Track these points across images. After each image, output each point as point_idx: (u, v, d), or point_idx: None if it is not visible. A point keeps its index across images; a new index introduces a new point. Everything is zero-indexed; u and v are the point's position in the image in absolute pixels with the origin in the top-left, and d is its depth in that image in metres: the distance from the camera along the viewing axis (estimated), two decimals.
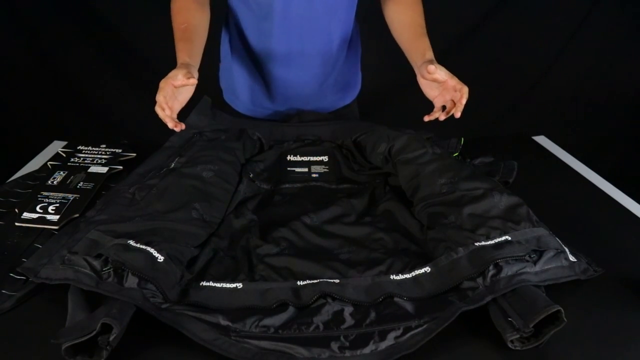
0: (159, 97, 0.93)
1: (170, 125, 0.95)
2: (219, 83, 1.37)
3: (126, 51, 2.14)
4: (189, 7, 1.09)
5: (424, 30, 1.12)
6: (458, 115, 1.00)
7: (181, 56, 1.02)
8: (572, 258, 0.78)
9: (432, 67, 0.97)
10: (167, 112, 0.93)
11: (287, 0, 1.09)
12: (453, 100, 1.00)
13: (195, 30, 1.08)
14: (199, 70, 1.02)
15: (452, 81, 0.98)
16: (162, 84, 0.94)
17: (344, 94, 1.35)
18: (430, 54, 1.05)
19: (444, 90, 1.01)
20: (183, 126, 0.96)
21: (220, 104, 1.24)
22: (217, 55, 1.98)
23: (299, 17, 1.12)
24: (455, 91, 0.99)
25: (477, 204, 0.85)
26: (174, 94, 0.95)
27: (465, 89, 0.98)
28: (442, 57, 1.27)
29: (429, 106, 1.05)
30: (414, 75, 1.07)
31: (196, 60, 1.04)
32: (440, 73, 0.98)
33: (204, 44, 1.09)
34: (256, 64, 1.23)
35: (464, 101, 0.98)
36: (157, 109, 0.94)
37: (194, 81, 0.94)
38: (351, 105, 1.39)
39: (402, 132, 1.09)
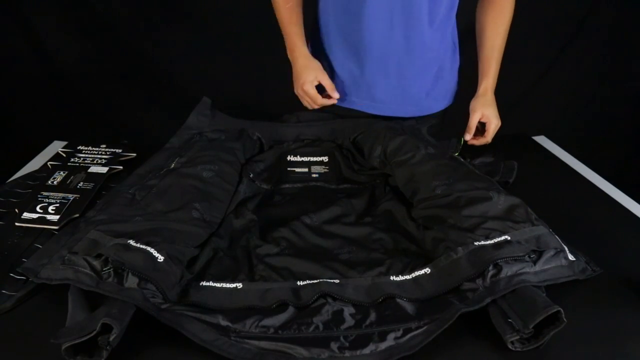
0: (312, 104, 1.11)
1: (332, 101, 1.12)
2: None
3: (126, 51, 2.14)
4: None
5: (495, 54, 1.14)
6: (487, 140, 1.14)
7: (297, 42, 1.08)
8: (571, 257, 0.78)
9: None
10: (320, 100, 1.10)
11: None
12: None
13: (299, 10, 1.09)
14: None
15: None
16: (304, 93, 1.09)
17: (438, 98, 1.21)
18: (487, 84, 1.13)
19: None
20: (337, 95, 1.11)
21: (219, 105, 1.24)
22: (215, 52, 1.98)
23: None
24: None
25: (475, 205, 0.84)
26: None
27: (487, 139, 1.13)
28: None
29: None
30: None
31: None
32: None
33: None
34: (344, 56, 1.14)
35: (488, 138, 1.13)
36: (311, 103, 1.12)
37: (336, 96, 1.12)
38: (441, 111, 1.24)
39: (398, 129, 1.08)
